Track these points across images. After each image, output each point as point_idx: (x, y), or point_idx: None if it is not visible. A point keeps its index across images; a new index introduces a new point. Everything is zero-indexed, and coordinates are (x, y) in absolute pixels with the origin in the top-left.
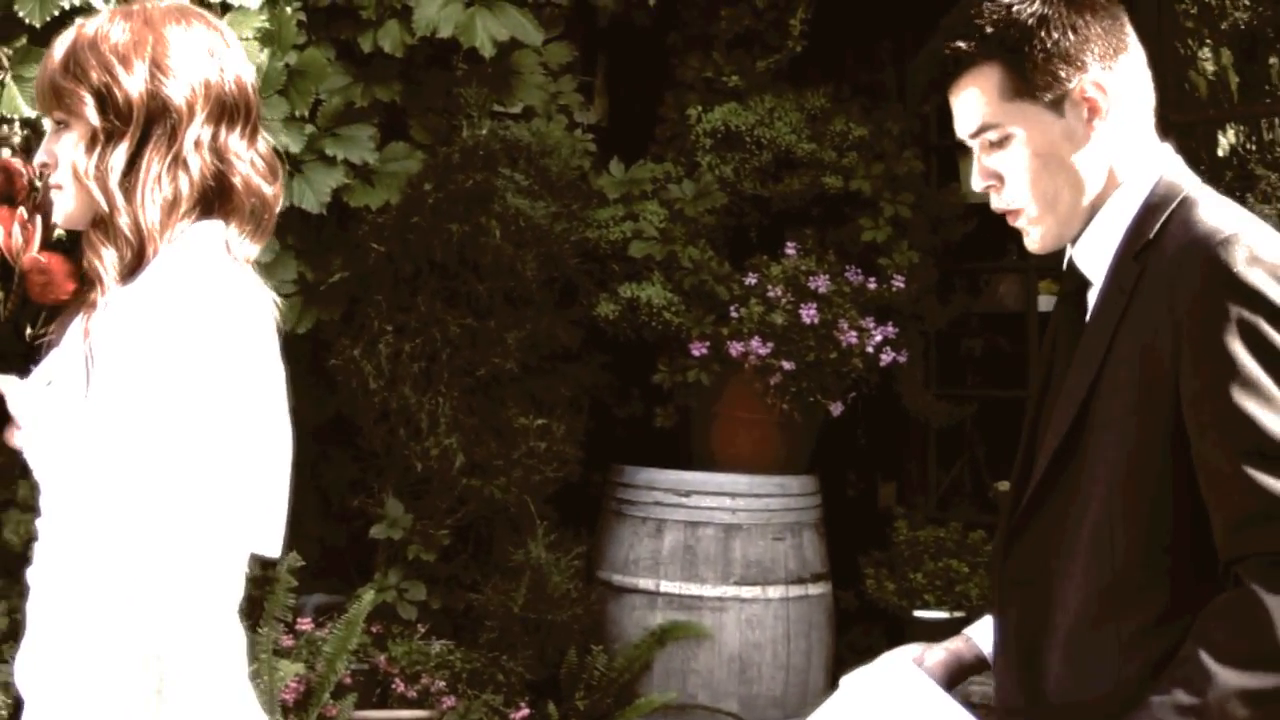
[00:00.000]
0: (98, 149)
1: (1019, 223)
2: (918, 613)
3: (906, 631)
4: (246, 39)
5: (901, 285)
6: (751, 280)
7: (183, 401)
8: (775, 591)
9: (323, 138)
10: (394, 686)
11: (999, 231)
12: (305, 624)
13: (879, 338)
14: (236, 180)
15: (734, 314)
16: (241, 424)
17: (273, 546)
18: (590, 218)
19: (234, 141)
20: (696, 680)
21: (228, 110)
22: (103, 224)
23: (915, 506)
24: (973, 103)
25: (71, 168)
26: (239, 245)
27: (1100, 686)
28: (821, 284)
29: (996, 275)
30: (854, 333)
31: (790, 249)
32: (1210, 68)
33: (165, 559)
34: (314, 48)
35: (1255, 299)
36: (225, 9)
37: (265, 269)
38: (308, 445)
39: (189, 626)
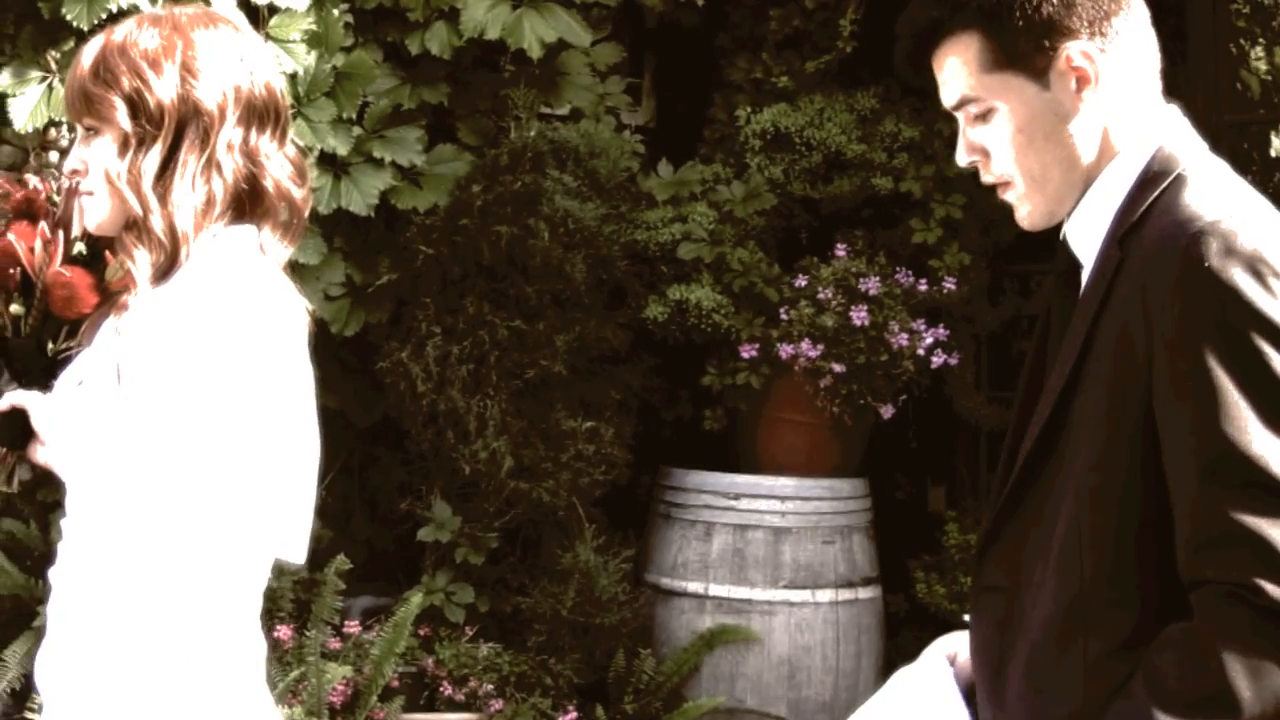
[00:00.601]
0: (130, 153)
1: (1007, 196)
2: (969, 616)
3: None
4: (293, 41)
5: (953, 287)
6: (801, 282)
7: (212, 404)
8: (825, 595)
9: (370, 140)
10: (441, 689)
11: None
12: (353, 627)
13: (930, 340)
14: (268, 183)
15: (784, 316)
16: (270, 428)
17: (297, 552)
18: (639, 219)
19: (265, 144)
20: (745, 684)
21: (258, 113)
22: (135, 227)
23: (966, 510)
24: (953, 74)
25: (104, 173)
26: (272, 248)
27: (1061, 709)
28: (872, 286)
29: (1048, 277)
30: (905, 335)
31: (840, 251)
32: (1263, 67)
33: (189, 561)
34: (361, 50)
35: (1228, 298)
36: (272, 11)
37: (313, 271)
38: (356, 448)
39: (210, 629)
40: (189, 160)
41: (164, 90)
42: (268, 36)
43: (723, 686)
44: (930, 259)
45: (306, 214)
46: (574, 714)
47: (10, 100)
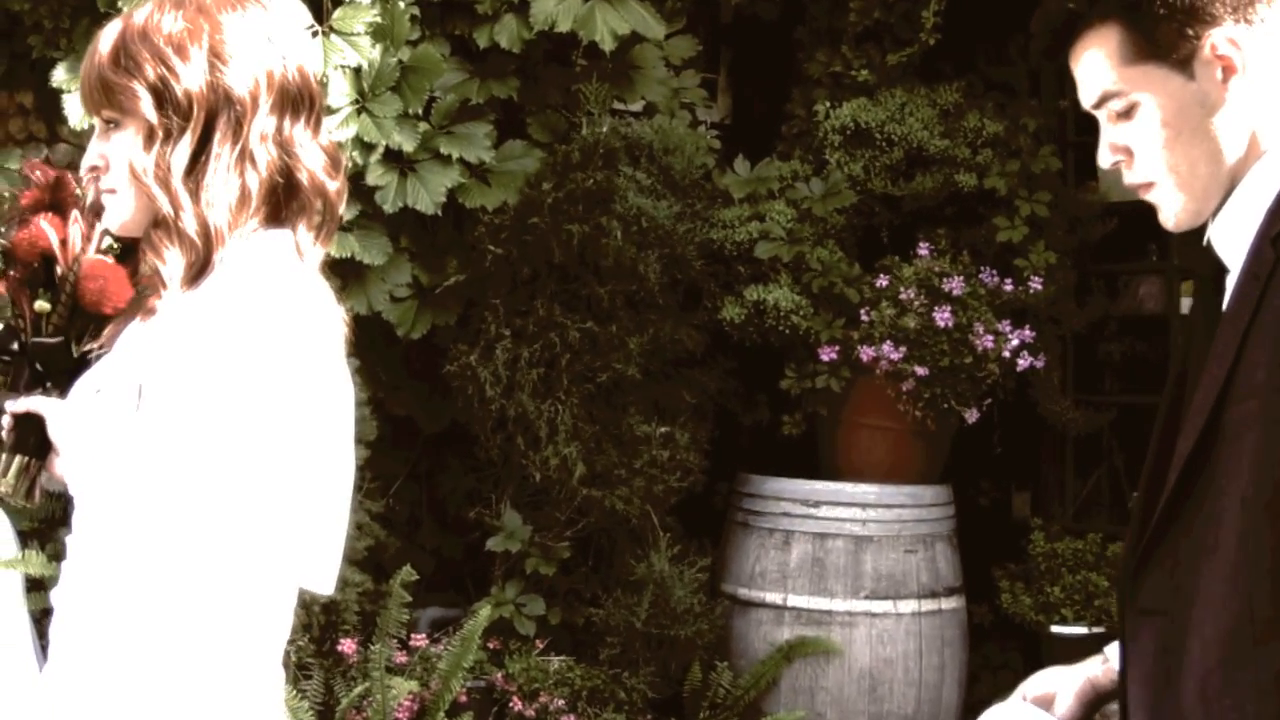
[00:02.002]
0: (156, 146)
1: (1151, 196)
2: (1055, 628)
3: (1043, 648)
4: (357, 34)
5: (1039, 287)
6: (883, 282)
7: (241, 420)
8: (907, 606)
9: (437, 136)
10: (511, 705)
11: (1139, 231)
12: (419, 640)
13: (1016, 342)
14: (303, 176)
15: (865, 317)
16: (302, 447)
17: (325, 583)
18: (715, 218)
19: (299, 133)
20: (825, 698)
21: (291, 100)
22: (164, 225)
23: (1052, 517)
24: (1093, 69)
25: (129, 168)
26: (308, 250)
27: None
28: (956, 286)
29: (1136, 277)
30: (990, 337)
31: (923, 249)
32: None
33: (207, 590)
34: (428, 43)
35: None
36: (336, 3)
37: (378, 271)
38: (423, 454)
39: (226, 665)
40: (221, 153)
41: (191, 78)
42: (331, 29)
43: (802, 700)
44: (1015, 258)
45: (342, 209)
46: None
47: (66, 96)
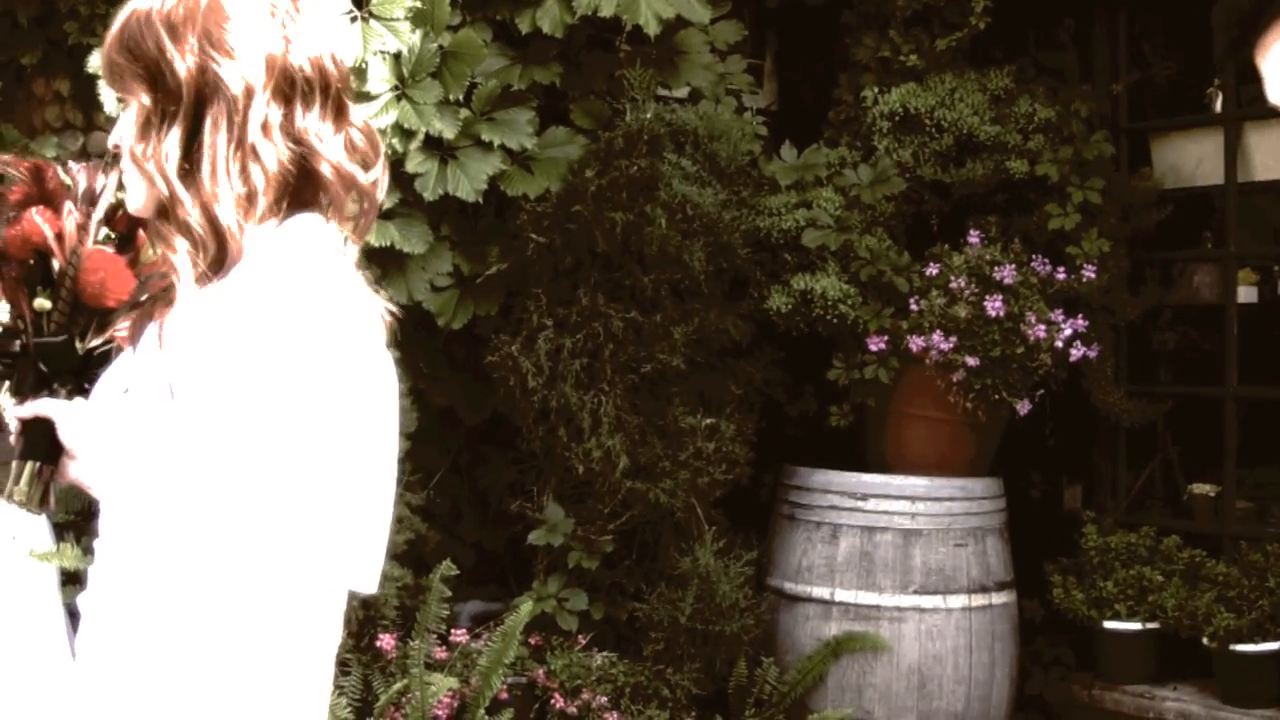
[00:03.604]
0: (152, 131)
1: None
2: (1108, 624)
3: (1095, 643)
4: (397, 19)
5: (1092, 276)
6: (932, 271)
7: (281, 418)
8: (957, 601)
9: (479, 122)
10: (553, 702)
11: (1193, 218)
12: (459, 635)
13: (1069, 331)
14: (324, 168)
15: (914, 307)
16: (345, 445)
17: (368, 582)
18: (761, 205)
19: (313, 122)
20: (873, 694)
21: (299, 87)
22: (167, 214)
23: (1104, 510)
24: None
25: (129, 151)
26: (342, 243)
27: None
28: (1007, 275)
29: (1191, 265)
30: (1042, 326)
31: (973, 237)
32: None
33: (252, 594)
34: (469, 28)
35: None
36: None
37: (418, 260)
38: (464, 446)
39: (270, 672)
40: (216, 143)
41: (183, 62)
42: (370, 14)
43: (849, 697)
44: (1067, 246)
45: (381, 198)
46: None
47: (102, 83)
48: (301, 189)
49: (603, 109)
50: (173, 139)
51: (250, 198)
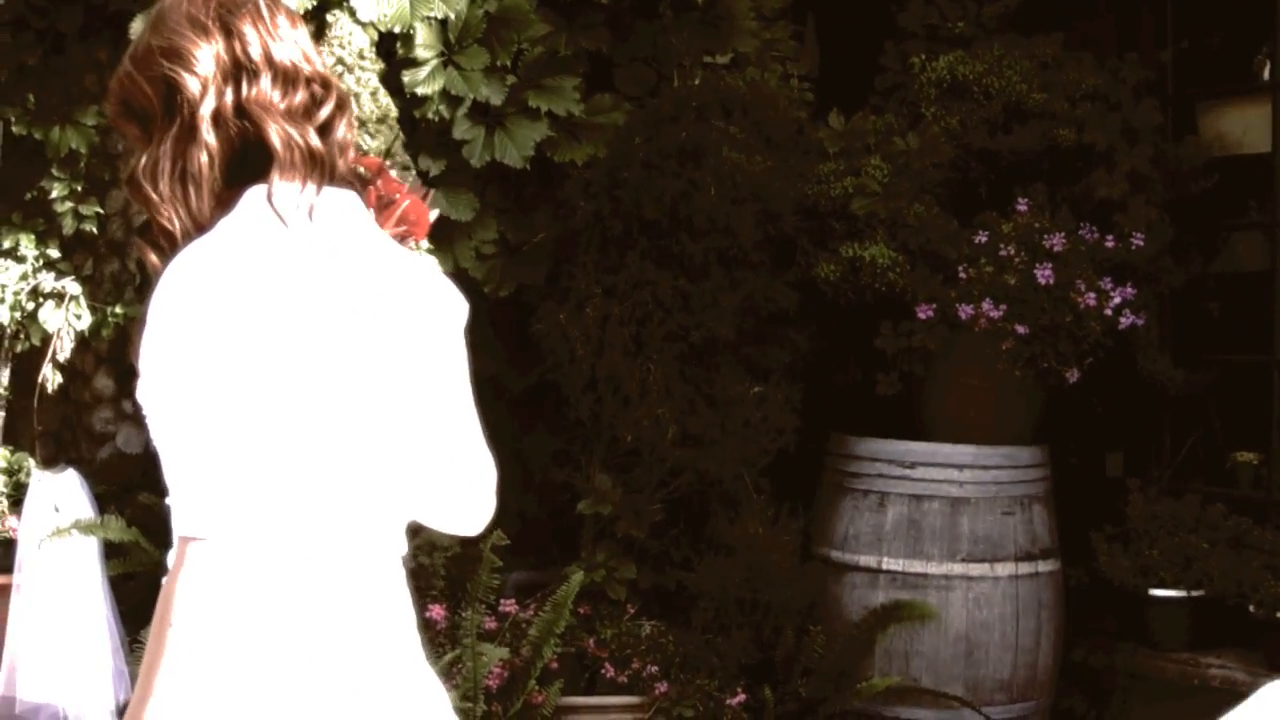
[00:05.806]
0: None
1: None
2: (1154, 591)
3: (1141, 611)
4: None
5: (1141, 243)
6: (982, 239)
7: (160, 381)
8: (1004, 569)
9: (525, 89)
10: (603, 671)
11: (1240, 187)
12: (509, 605)
13: (1118, 299)
14: (272, 133)
15: (963, 274)
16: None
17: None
18: (809, 172)
19: (261, 93)
20: (920, 663)
21: (246, 70)
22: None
23: (1149, 479)
24: None
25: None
26: (289, 195)
27: None
28: (1057, 243)
29: (1237, 233)
30: (1092, 294)
31: (1022, 205)
32: None
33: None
34: None
35: None
36: None
37: (465, 228)
38: (509, 415)
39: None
40: (167, 148)
41: (144, 80)
42: None
43: (896, 665)
44: (1114, 214)
45: (344, 136)
46: (742, 696)
47: None
48: (255, 157)
49: (649, 75)
50: (142, 155)
51: (197, 184)
